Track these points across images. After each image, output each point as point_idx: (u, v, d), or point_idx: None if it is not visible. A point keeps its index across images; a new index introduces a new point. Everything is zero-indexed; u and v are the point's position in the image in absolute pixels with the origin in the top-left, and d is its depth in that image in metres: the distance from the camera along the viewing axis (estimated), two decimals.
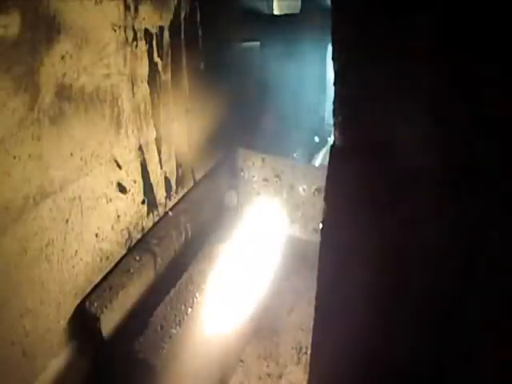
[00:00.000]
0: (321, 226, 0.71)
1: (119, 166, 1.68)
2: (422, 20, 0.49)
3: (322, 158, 2.82)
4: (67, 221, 1.45)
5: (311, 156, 2.80)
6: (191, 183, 2.32)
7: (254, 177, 2.24)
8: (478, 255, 0.57)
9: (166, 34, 1.86)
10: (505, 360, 0.60)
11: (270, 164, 2.17)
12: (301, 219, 2.21)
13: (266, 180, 2.21)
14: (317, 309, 0.78)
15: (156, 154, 1.93)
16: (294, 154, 2.66)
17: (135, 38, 1.66)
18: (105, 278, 1.68)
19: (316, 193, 2.09)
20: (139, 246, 1.87)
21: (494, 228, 0.54)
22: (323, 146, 2.91)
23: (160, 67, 1.85)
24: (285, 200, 2.20)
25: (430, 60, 0.51)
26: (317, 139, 2.89)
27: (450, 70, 0.50)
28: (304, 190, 2.11)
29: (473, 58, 0.48)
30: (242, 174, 2.27)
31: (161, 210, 2.05)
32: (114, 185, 1.68)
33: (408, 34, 0.51)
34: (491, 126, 0.50)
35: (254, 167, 2.21)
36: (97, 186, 1.57)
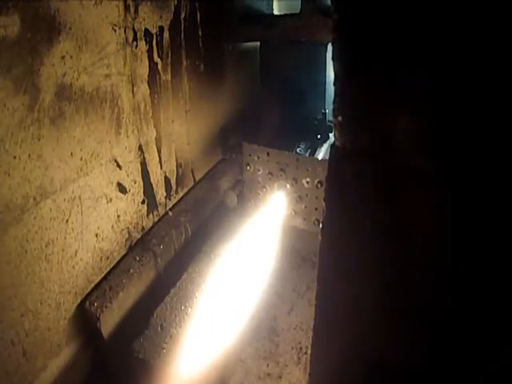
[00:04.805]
0: (321, 225, 0.71)
1: (119, 166, 1.68)
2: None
3: (324, 151, 2.86)
4: (67, 221, 1.45)
5: (314, 150, 2.83)
6: (191, 183, 2.33)
7: (259, 170, 2.30)
8: (479, 253, 0.57)
9: (166, 34, 1.86)
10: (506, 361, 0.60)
11: (275, 158, 2.23)
12: (304, 211, 2.27)
13: (270, 173, 2.27)
14: (317, 308, 0.78)
15: (156, 154, 1.93)
16: (298, 149, 2.69)
17: (135, 38, 1.66)
18: (105, 277, 1.69)
19: (319, 185, 2.15)
20: (139, 246, 1.87)
21: (493, 228, 0.55)
22: (325, 141, 2.95)
23: (160, 67, 1.85)
24: (289, 192, 2.26)
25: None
26: (319, 136, 2.92)
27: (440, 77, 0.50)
28: (307, 182, 2.17)
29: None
30: (248, 168, 2.31)
31: (161, 210, 2.05)
32: (114, 185, 1.68)
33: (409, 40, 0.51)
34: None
35: (260, 161, 2.27)
36: (97, 186, 1.57)
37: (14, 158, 1.22)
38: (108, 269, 1.71)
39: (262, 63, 2.80)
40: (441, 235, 0.59)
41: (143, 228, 1.93)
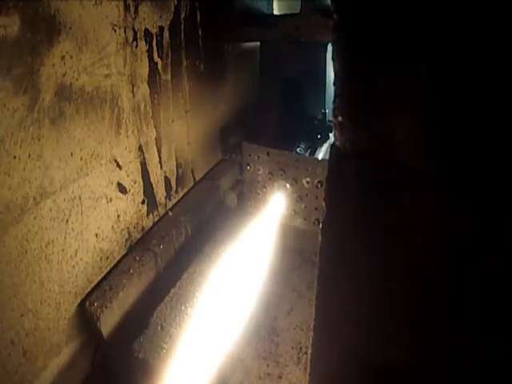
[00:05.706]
0: (321, 225, 0.71)
1: (119, 166, 1.68)
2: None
3: (324, 151, 2.86)
4: (67, 221, 1.45)
5: (314, 150, 2.84)
6: (191, 183, 2.33)
7: (259, 170, 2.30)
8: (479, 253, 0.57)
9: (166, 34, 1.86)
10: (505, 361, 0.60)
11: (275, 158, 2.23)
12: (304, 211, 2.28)
13: (270, 173, 2.27)
14: (317, 308, 0.78)
15: (156, 154, 1.93)
16: (298, 149, 2.70)
17: (135, 38, 1.66)
18: (105, 277, 1.69)
19: (319, 185, 2.15)
20: (139, 246, 1.87)
21: (493, 228, 0.55)
22: (325, 141, 2.95)
23: (160, 67, 1.85)
24: (289, 192, 2.26)
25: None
26: (319, 136, 2.93)
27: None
28: (307, 182, 2.17)
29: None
30: (248, 168, 2.32)
31: (161, 210, 2.05)
32: (114, 185, 1.68)
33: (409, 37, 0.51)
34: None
35: (260, 161, 2.27)
36: (97, 186, 1.57)
37: (14, 158, 1.22)
38: (108, 269, 1.71)
39: (261, 63, 2.80)
40: (441, 235, 0.59)
41: (143, 228, 1.93)
